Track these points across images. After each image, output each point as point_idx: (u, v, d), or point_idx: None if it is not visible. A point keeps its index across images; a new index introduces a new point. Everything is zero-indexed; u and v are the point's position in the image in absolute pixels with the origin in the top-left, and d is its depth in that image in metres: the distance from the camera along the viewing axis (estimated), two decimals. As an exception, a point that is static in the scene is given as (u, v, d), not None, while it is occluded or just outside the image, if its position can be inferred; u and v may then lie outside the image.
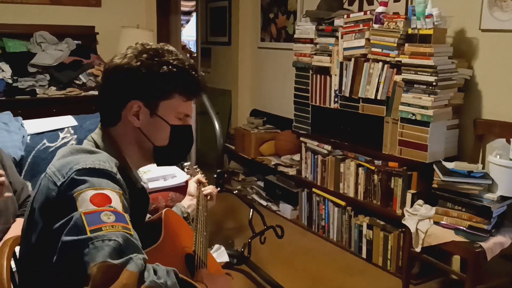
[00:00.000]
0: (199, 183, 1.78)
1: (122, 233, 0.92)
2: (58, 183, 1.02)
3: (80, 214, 0.93)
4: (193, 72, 1.23)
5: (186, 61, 1.22)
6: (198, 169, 1.92)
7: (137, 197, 1.21)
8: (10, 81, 3.46)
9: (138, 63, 1.17)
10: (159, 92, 1.19)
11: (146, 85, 1.17)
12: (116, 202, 0.99)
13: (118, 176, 1.08)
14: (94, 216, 0.93)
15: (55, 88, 3.58)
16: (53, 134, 2.71)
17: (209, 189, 1.78)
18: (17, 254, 1.25)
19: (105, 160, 1.08)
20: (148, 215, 1.46)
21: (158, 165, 1.31)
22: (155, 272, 0.92)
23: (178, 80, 1.20)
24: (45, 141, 2.66)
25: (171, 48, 1.24)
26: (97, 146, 1.19)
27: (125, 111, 1.19)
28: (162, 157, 1.26)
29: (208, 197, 1.76)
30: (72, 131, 2.75)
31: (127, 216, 0.98)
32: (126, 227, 0.95)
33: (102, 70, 1.24)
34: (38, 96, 3.46)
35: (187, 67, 1.21)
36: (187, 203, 1.71)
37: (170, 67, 1.18)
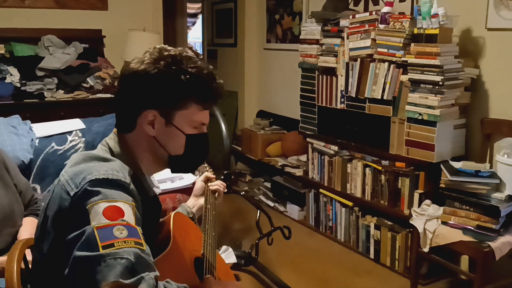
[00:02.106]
0: (207, 179, 1.75)
1: (134, 249, 0.93)
2: (71, 193, 1.02)
3: (92, 228, 0.94)
4: (211, 81, 1.21)
5: (204, 69, 1.20)
6: (206, 165, 1.90)
7: (149, 205, 1.21)
8: (18, 84, 3.49)
9: (155, 71, 1.15)
10: (175, 102, 1.18)
11: (162, 95, 1.16)
12: (129, 215, 0.99)
13: (131, 186, 1.08)
14: (107, 231, 0.94)
15: (63, 91, 3.61)
16: (61, 137, 2.73)
17: (216, 185, 1.74)
18: (27, 257, 1.26)
19: (118, 170, 1.07)
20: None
21: (172, 172, 1.30)
22: None
23: (195, 89, 1.18)
24: (53, 144, 2.68)
25: (190, 53, 1.22)
26: (111, 152, 1.18)
27: (141, 119, 1.18)
28: (177, 165, 1.26)
29: (216, 194, 1.73)
30: (80, 134, 2.77)
31: (139, 230, 0.99)
32: (138, 242, 0.95)
33: (120, 73, 1.22)
34: (46, 99, 3.48)
35: (205, 75, 1.20)
36: (192, 203, 1.68)
37: (187, 76, 1.16)
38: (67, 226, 0.98)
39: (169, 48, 1.21)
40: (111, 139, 1.21)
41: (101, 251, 0.90)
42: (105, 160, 1.11)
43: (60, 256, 0.99)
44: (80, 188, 1.01)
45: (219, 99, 1.26)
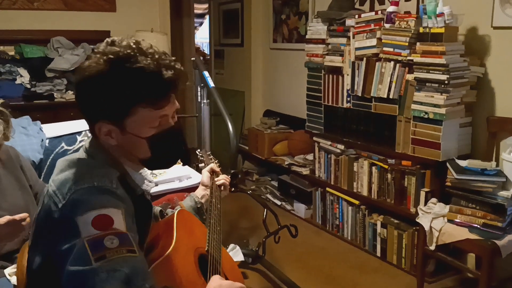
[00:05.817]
0: (213, 172, 1.76)
1: (128, 258, 0.93)
2: (59, 205, 1.01)
3: (83, 241, 0.93)
4: (159, 74, 1.07)
5: (150, 63, 1.07)
6: (211, 156, 1.90)
7: (139, 204, 1.19)
8: (28, 86, 3.55)
9: (101, 79, 1.06)
10: (122, 112, 1.09)
11: (107, 106, 1.08)
12: (119, 222, 0.98)
13: (119, 190, 1.06)
14: (97, 242, 0.93)
15: (72, 92, 3.66)
16: (71, 137, 2.76)
17: (222, 179, 1.75)
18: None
19: (103, 175, 1.06)
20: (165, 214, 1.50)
21: (150, 169, 1.28)
22: None
23: (138, 94, 1.07)
24: (63, 144, 2.71)
25: (142, 45, 1.10)
26: (93, 155, 1.16)
27: (97, 129, 1.13)
28: (152, 165, 1.23)
29: (222, 187, 1.74)
30: (89, 134, 2.80)
31: (131, 235, 0.98)
32: (130, 249, 0.95)
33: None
34: (55, 100, 3.53)
35: (151, 70, 1.06)
36: (201, 193, 1.69)
37: (130, 80, 1.06)
38: (57, 237, 0.98)
39: (117, 45, 1.09)
40: (89, 143, 1.19)
41: (94, 265, 0.90)
42: (89, 165, 1.10)
43: (53, 264, 0.98)
44: (67, 199, 1.01)
45: (175, 88, 1.12)
